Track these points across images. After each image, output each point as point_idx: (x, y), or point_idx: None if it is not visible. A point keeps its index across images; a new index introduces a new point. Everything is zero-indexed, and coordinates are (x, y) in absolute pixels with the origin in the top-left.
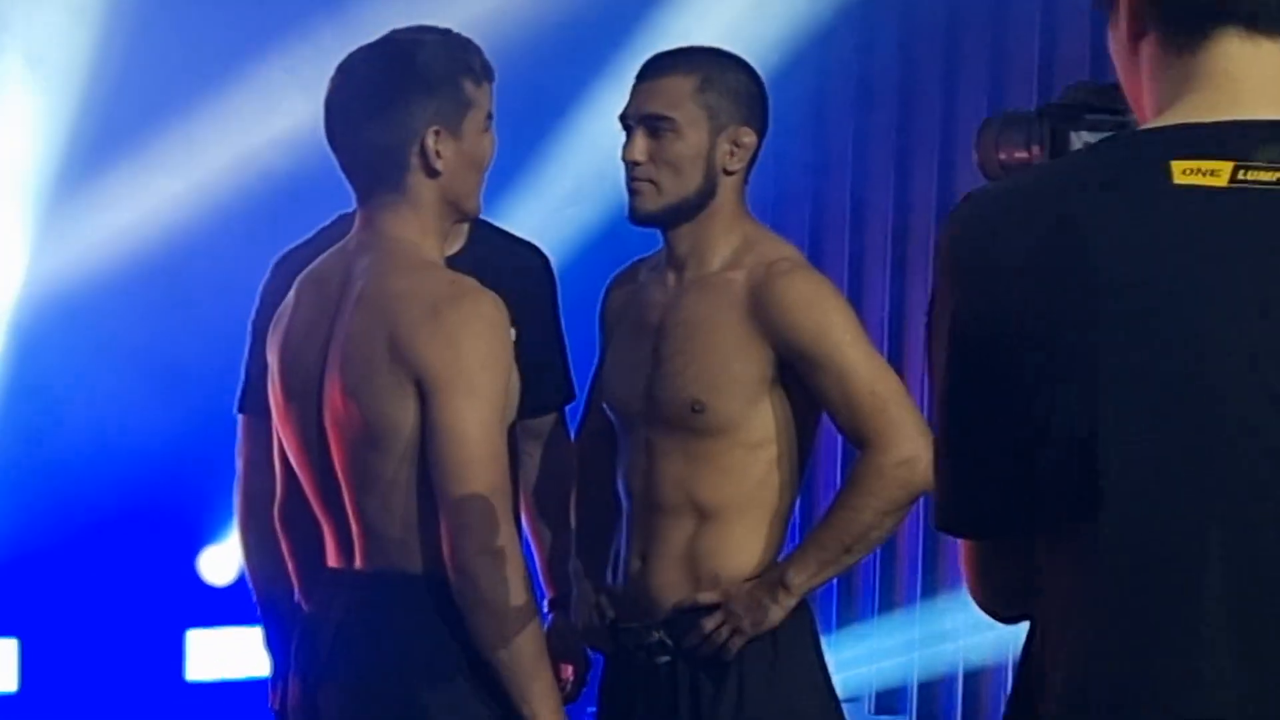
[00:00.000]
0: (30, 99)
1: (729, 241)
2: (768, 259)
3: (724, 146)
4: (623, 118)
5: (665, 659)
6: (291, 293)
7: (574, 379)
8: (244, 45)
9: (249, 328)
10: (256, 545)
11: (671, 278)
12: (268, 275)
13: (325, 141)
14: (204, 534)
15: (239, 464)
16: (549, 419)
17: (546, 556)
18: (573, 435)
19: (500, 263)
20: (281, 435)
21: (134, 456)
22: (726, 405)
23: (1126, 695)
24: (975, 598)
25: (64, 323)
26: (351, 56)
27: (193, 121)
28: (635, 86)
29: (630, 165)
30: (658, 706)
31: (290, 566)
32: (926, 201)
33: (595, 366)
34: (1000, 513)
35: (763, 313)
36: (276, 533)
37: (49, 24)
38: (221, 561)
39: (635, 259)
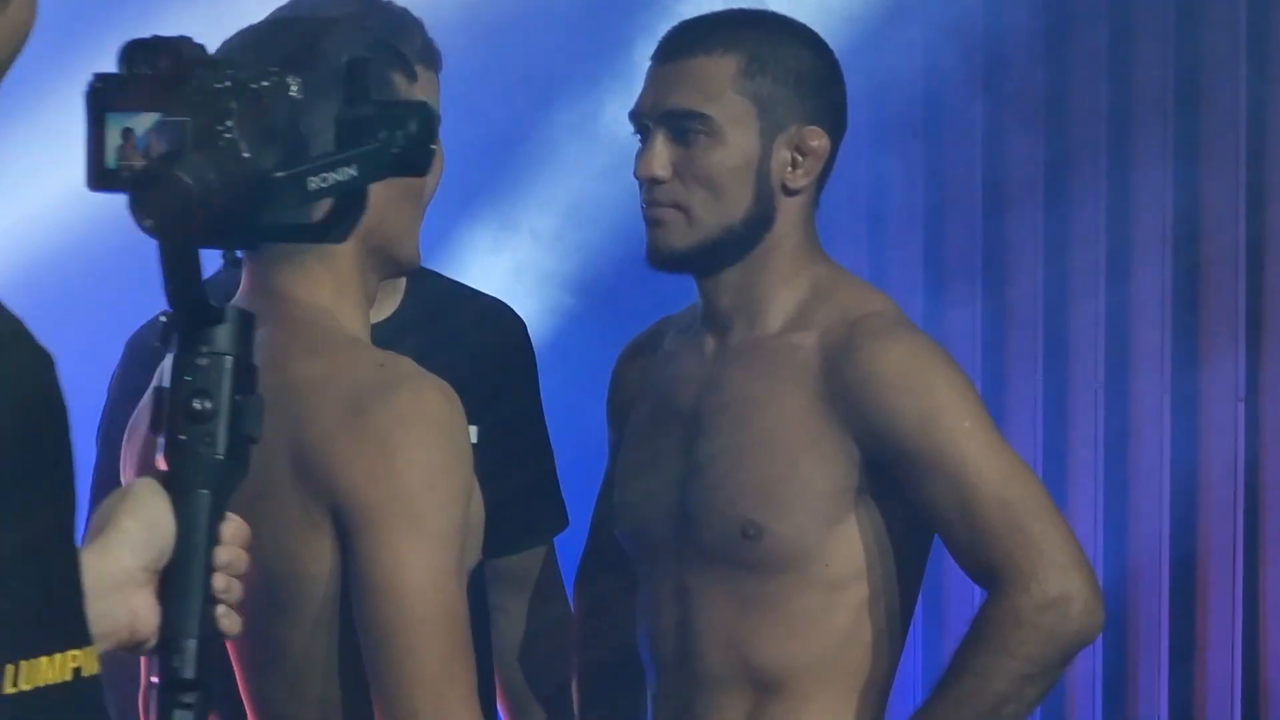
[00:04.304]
0: None
1: (793, 290)
2: (850, 315)
3: (783, 154)
4: (635, 116)
5: None
6: (150, 390)
7: (564, 498)
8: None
9: (95, 438)
10: None
11: (710, 344)
12: (119, 363)
13: None
14: None
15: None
16: (533, 556)
17: None
18: (570, 579)
19: (451, 332)
20: None
21: None
22: (793, 528)
23: None
24: None
25: None
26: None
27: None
28: (652, 71)
29: (648, 184)
30: None
31: None
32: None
33: (604, 476)
34: None
35: (844, 392)
36: None
37: None
38: None
39: (658, 319)
